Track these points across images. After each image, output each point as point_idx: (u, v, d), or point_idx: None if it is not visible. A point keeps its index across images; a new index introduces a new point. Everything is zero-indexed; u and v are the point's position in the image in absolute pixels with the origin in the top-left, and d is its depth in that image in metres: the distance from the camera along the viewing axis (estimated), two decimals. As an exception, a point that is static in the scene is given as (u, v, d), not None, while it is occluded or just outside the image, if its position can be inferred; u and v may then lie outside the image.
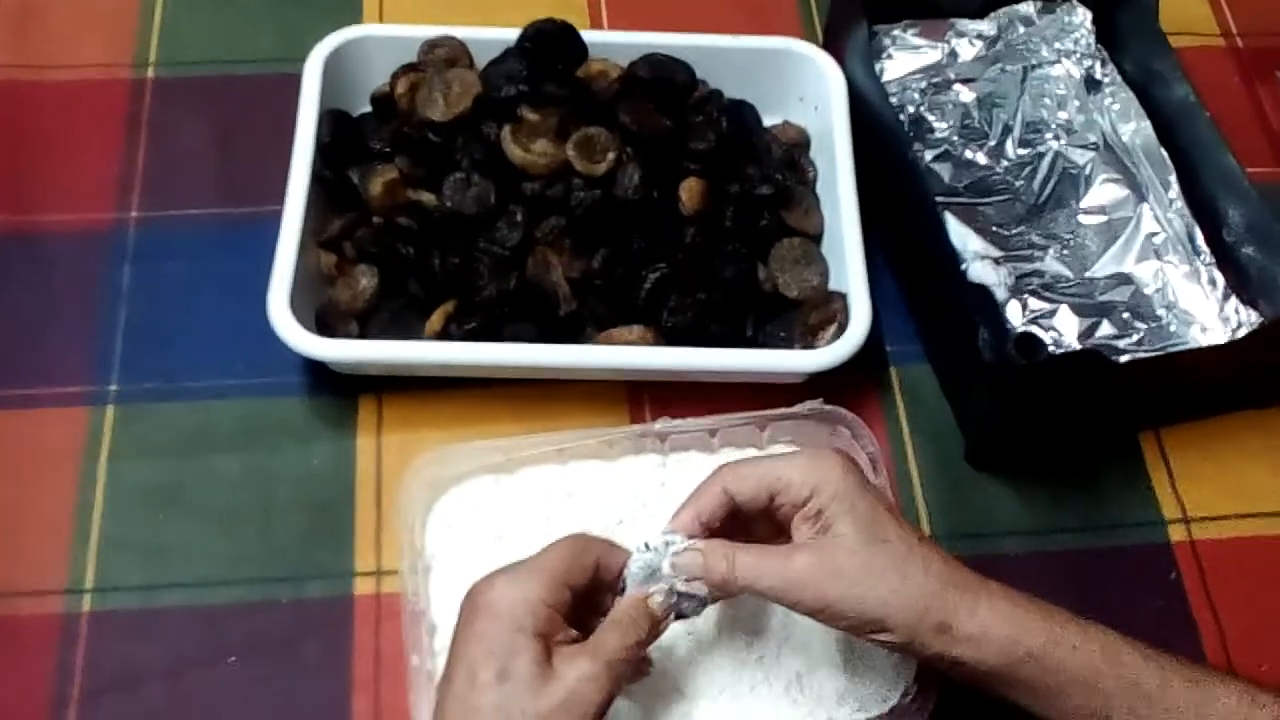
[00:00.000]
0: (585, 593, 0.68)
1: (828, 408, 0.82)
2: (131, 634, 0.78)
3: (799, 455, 0.70)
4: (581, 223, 0.86)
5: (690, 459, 0.83)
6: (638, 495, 0.81)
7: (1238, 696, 0.64)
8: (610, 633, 0.66)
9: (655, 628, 0.67)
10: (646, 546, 0.68)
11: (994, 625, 0.65)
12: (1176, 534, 0.85)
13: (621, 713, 0.74)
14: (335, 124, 0.90)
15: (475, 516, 0.80)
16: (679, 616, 0.68)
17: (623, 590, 0.69)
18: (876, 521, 0.67)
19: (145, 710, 0.76)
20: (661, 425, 0.82)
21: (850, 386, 0.87)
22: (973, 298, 0.81)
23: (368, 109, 0.95)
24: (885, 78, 1.00)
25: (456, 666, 0.63)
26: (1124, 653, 0.65)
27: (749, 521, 0.71)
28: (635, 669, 0.71)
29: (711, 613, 0.77)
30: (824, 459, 0.68)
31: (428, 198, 0.86)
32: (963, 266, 0.90)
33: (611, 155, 0.86)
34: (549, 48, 0.90)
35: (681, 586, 0.67)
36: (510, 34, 0.92)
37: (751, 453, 0.83)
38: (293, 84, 0.91)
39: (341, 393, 0.87)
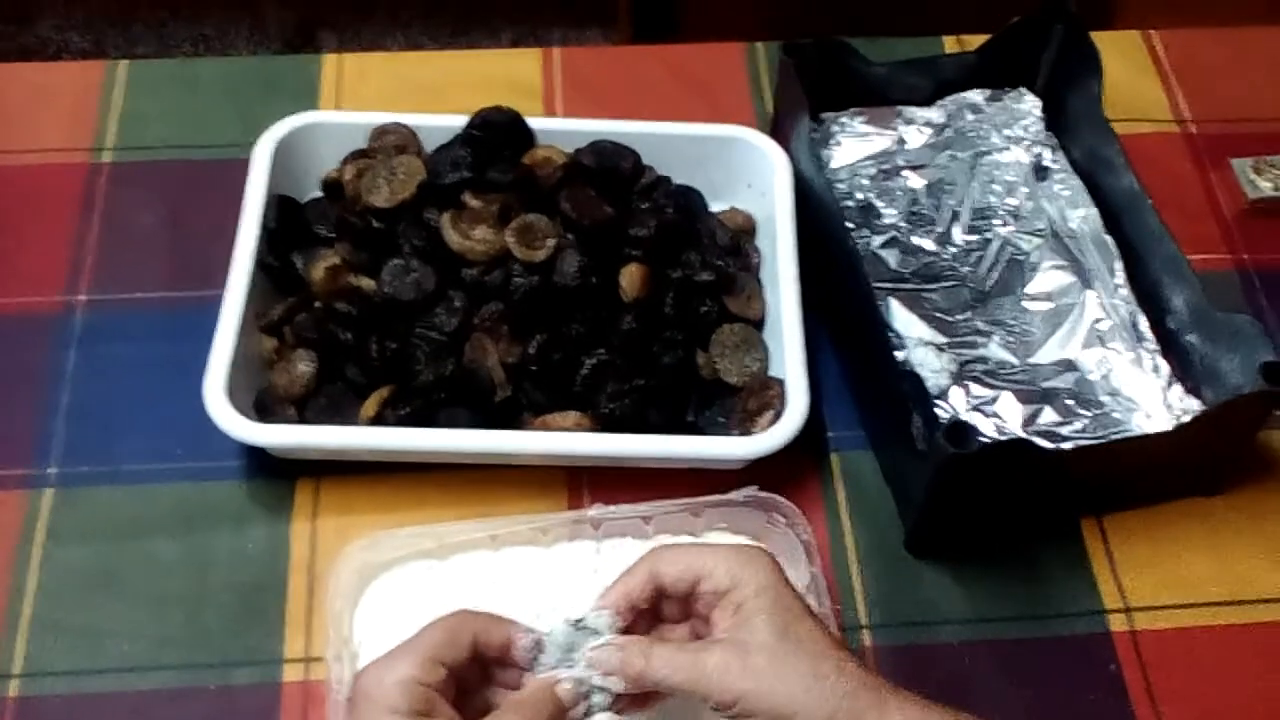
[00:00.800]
0: (470, 667, 0.67)
1: (763, 495, 0.81)
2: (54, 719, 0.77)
3: (728, 547, 0.70)
4: (520, 309, 0.86)
5: (625, 545, 0.83)
6: (571, 582, 0.81)
7: None
8: (509, 714, 0.65)
9: (560, 715, 0.66)
10: (575, 624, 0.68)
11: None
12: (1117, 624, 0.84)
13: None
14: (282, 209, 0.91)
15: (406, 603, 0.80)
16: (587, 713, 0.68)
17: (528, 667, 0.68)
18: (794, 620, 0.66)
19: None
20: (596, 512, 0.82)
21: (791, 472, 0.87)
22: (908, 384, 0.81)
23: (319, 194, 0.95)
24: (834, 164, 1.01)
25: None
26: None
27: (667, 619, 0.71)
28: None
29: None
30: (752, 555, 0.69)
31: (368, 283, 0.87)
32: (904, 353, 0.91)
33: (551, 242, 0.87)
34: (495, 135, 0.92)
35: (597, 680, 0.67)
36: (460, 120, 0.94)
37: (686, 539, 0.83)
38: (245, 170, 0.92)
39: (279, 477, 0.87)
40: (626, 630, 0.68)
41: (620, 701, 0.69)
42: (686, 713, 0.76)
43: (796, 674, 0.64)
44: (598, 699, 0.67)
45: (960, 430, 0.76)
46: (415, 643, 0.65)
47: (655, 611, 0.71)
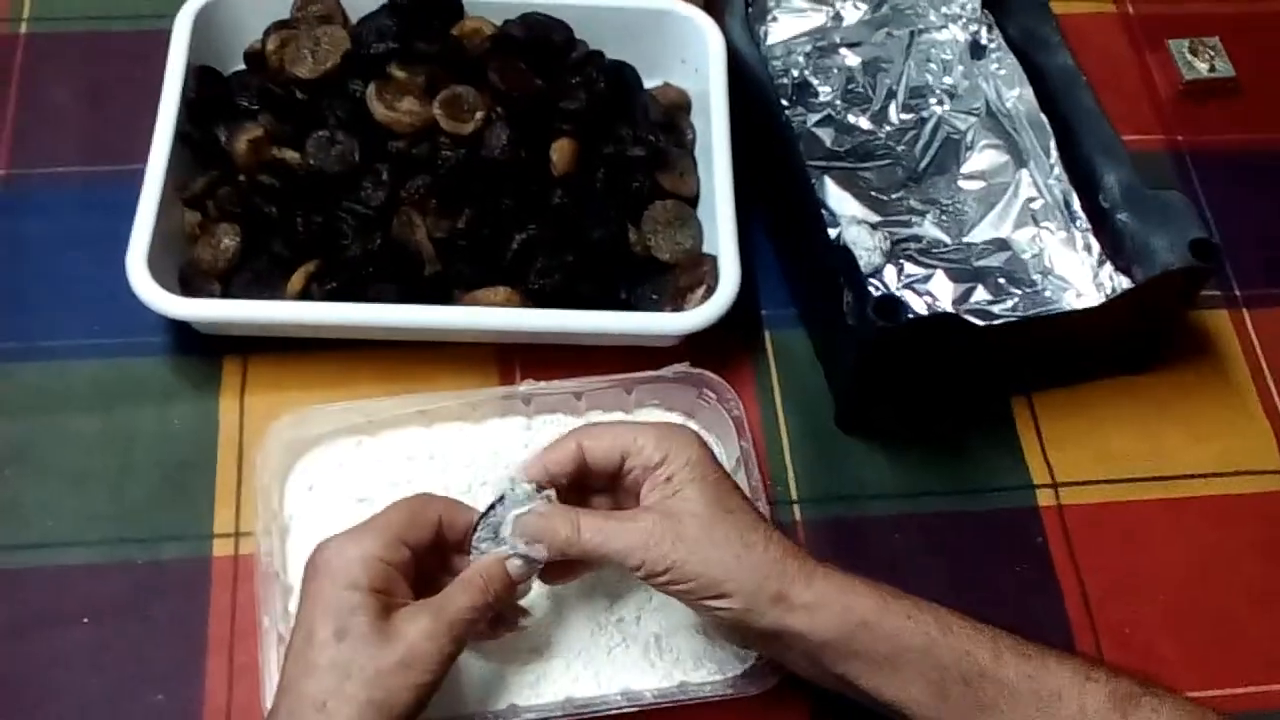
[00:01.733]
0: (431, 552, 0.68)
1: (694, 371, 0.81)
2: (-21, 594, 0.77)
3: (655, 424, 0.71)
4: (448, 182, 0.85)
5: (556, 421, 0.82)
6: (501, 458, 0.80)
7: (1071, 670, 0.64)
8: (458, 591, 0.65)
9: (509, 590, 0.67)
10: (499, 500, 0.68)
11: (829, 594, 0.65)
12: (1044, 498, 0.85)
13: (473, 671, 0.74)
14: (202, 80, 0.88)
15: (335, 478, 0.79)
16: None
17: (469, 551, 0.68)
18: (723, 492, 0.67)
19: (-8, 669, 0.75)
20: (526, 387, 0.81)
21: (723, 350, 0.87)
22: (839, 260, 0.80)
23: (241, 66, 0.93)
24: (770, 40, 0.99)
25: (297, 627, 0.63)
26: (956, 624, 0.65)
27: (592, 493, 0.72)
28: (504, 624, 0.71)
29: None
30: (678, 430, 0.70)
31: (292, 156, 0.85)
32: (837, 230, 0.90)
33: (480, 115, 0.85)
34: (422, 5, 0.89)
35: (522, 549, 0.67)
36: (387, -11, 0.91)
37: (619, 416, 0.83)
38: (166, 41, 0.89)
39: (205, 354, 0.85)
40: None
41: (549, 572, 0.69)
42: (614, 583, 0.77)
43: (727, 542, 0.65)
44: (518, 565, 0.67)
45: (889, 305, 0.76)
46: (380, 520, 0.66)
47: (580, 489, 0.71)
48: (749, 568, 0.65)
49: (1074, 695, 0.63)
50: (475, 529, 0.68)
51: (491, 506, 0.68)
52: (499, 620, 0.70)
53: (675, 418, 0.82)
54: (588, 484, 0.71)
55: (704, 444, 0.69)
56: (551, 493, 0.68)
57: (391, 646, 0.62)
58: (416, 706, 0.62)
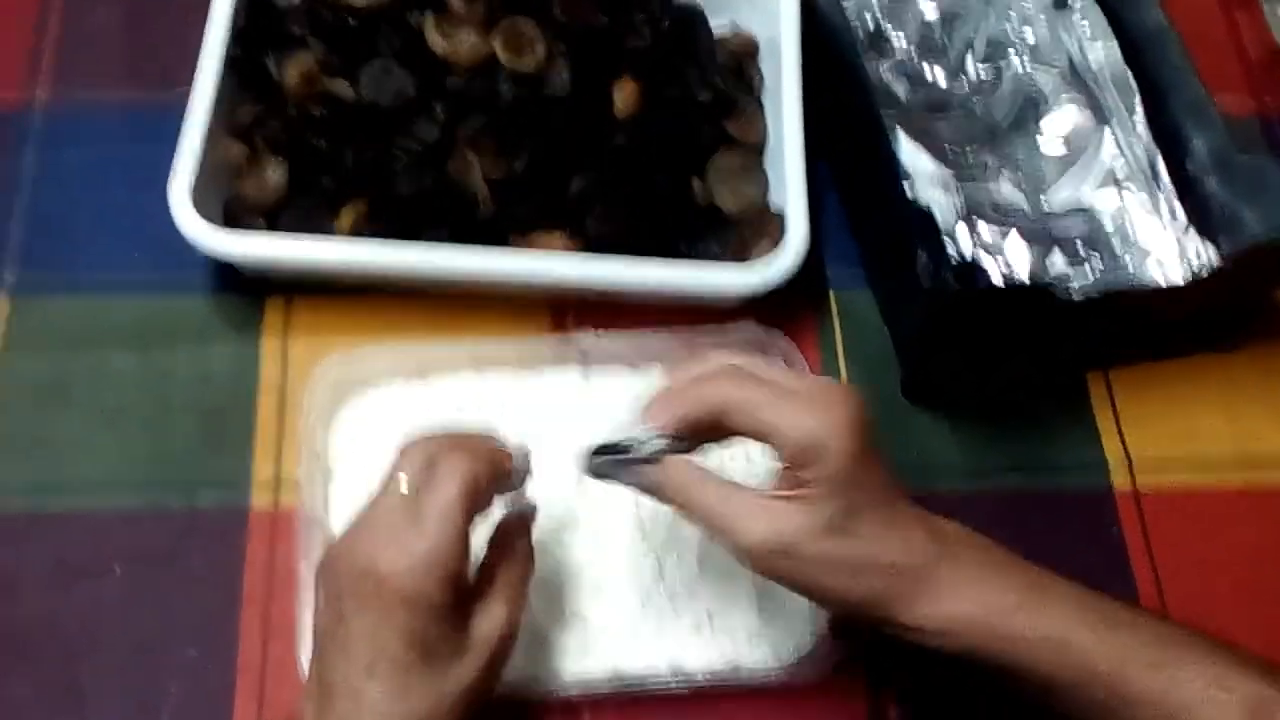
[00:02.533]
0: None
1: (761, 330, 0.77)
2: (14, 537, 0.74)
3: (811, 404, 0.59)
4: (506, 121, 0.81)
5: (614, 375, 0.79)
6: (556, 410, 0.77)
7: (1203, 683, 0.59)
8: (509, 573, 0.62)
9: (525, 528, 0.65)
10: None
11: (955, 614, 0.60)
12: (1119, 480, 0.81)
13: (520, 638, 0.71)
14: (253, 5, 0.84)
15: (383, 424, 0.76)
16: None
17: None
18: (856, 507, 0.59)
19: (23, 617, 0.73)
20: (585, 338, 0.78)
21: (786, 309, 0.83)
22: (915, 220, 0.76)
23: (294, -8, 0.89)
24: (843, -15, 0.95)
25: (357, 636, 0.57)
26: (1081, 631, 0.60)
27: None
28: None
29: (622, 542, 0.74)
30: (834, 426, 0.59)
31: (344, 88, 0.81)
32: (909, 186, 0.86)
33: (541, 50, 0.81)
34: (484, -66, 0.85)
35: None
36: (446, -81, 0.87)
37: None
38: (214, -38, 0.85)
39: (247, 293, 0.82)
40: None
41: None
42: (665, 552, 0.74)
43: (842, 566, 0.60)
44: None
45: (969, 271, 0.72)
46: (443, 519, 0.57)
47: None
48: (864, 588, 0.60)
49: (1210, 709, 0.58)
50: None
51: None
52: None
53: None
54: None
55: (858, 440, 0.59)
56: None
57: (474, 655, 0.60)
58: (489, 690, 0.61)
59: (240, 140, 0.82)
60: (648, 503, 0.71)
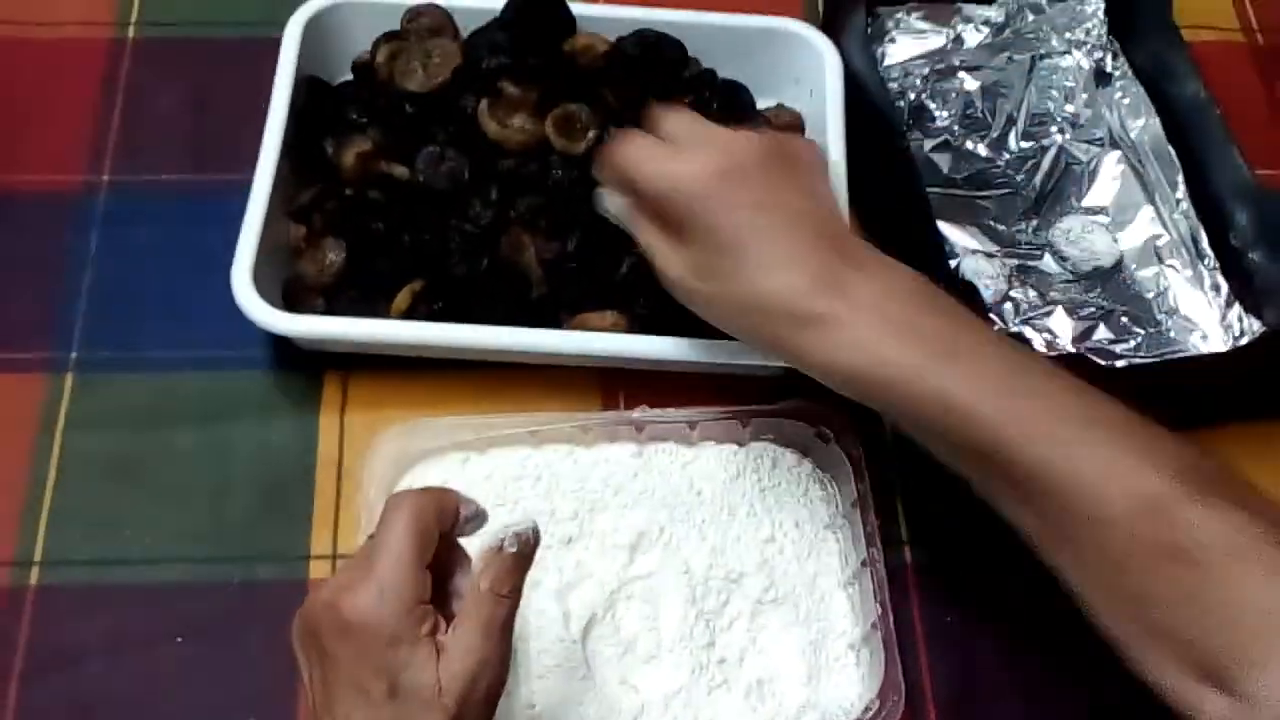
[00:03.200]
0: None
1: (810, 405, 0.79)
2: (77, 609, 0.76)
3: (672, 155, 0.68)
4: (558, 203, 0.83)
5: (668, 450, 0.80)
6: (610, 483, 0.78)
7: (1100, 467, 0.58)
8: (482, 603, 0.60)
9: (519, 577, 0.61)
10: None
11: (859, 337, 0.62)
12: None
13: (571, 711, 0.72)
14: (311, 91, 0.87)
15: (442, 495, 0.78)
16: None
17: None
18: (720, 254, 0.65)
19: (86, 688, 0.74)
20: (640, 414, 0.79)
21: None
22: (961, 293, 0.77)
23: (349, 77, 0.91)
24: (887, 62, 0.97)
25: (340, 692, 0.57)
26: (994, 395, 0.61)
27: None
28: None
29: (675, 611, 0.75)
30: (689, 171, 0.66)
31: (400, 171, 0.83)
32: (955, 262, 0.87)
33: (592, 134, 0.83)
34: (535, 19, 0.87)
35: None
36: (498, 3, 0.89)
37: (732, 448, 0.80)
38: (273, 49, 0.88)
39: (306, 370, 0.84)
40: None
41: None
42: (717, 620, 0.75)
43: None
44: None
45: (1018, 341, 0.73)
46: (391, 550, 0.58)
47: None
48: (751, 328, 0.66)
49: (1115, 492, 0.58)
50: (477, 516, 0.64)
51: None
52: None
53: (789, 454, 0.80)
54: None
55: (713, 183, 0.66)
56: None
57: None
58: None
59: (299, 221, 0.84)
60: (699, 571, 0.73)
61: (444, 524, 0.61)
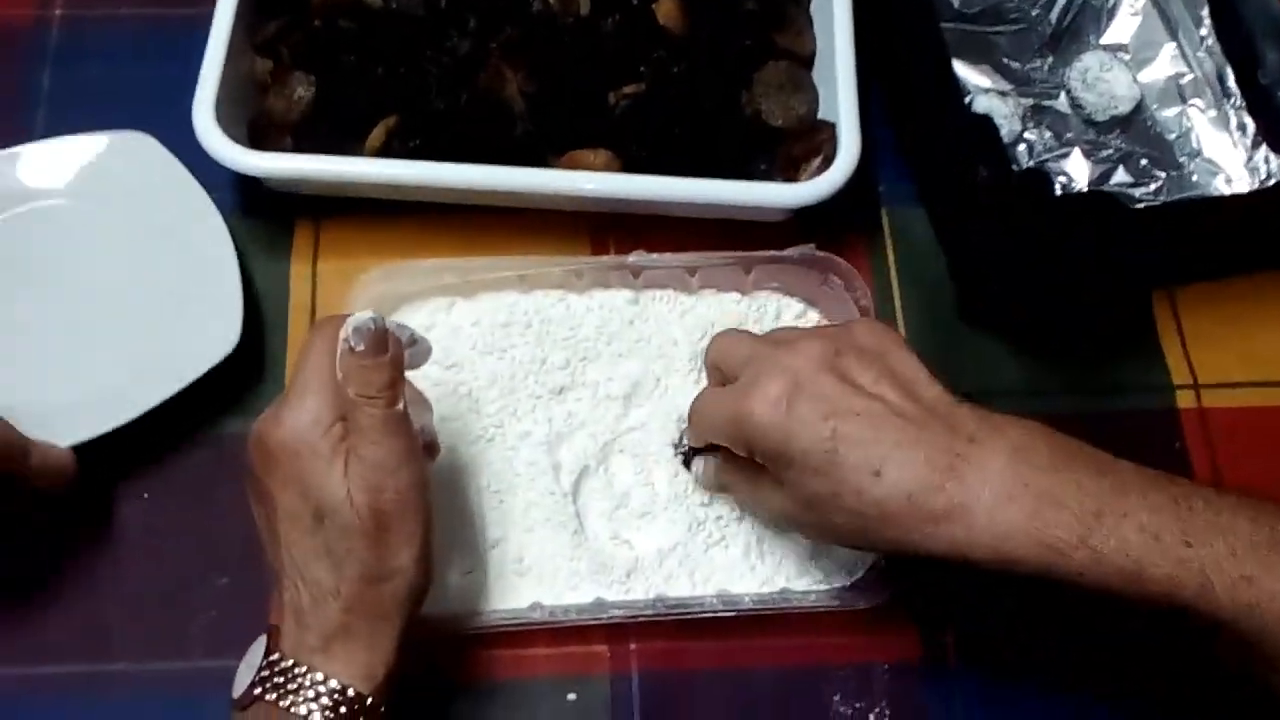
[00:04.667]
0: None
1: (820, 254, 0.74)
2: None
3: (726, 406, 0.62)
4: (541, 34, 0.77)
5: (666, 298, 0.76)
6: (604, 331, 0.74)
7: None
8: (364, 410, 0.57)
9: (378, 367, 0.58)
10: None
11: (1005, 520, 0.55)
12: (1184, 400, 0.78)
13: (562, 561, 0.69)
14: (277, -86, 0.81)
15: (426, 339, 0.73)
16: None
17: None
18: (806, 478, 0.59)
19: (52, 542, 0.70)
20: (636, 258, 0.74)
21: (836, 228, 0.79)
22: (974, 131, 0.72)
23: (318, -98, 0.85)
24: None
25: (278, 514, 0.57)
26: (1167, 547, 0.54)
27: None
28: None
29: (668, 464, 0.71)
30: (740, 414, 0.60)
31: (372, -2, 0.78)
32: (967, 99, 0.82)
33: (581, -45, 0.77)
34: None
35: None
36: None
37: (734, 296, 0.76)
38: None
39: (276, 215, 0.79)
40: None
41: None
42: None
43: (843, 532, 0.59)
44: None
45: (1035, 179, 0.69)
46: (305, 373, 0.58)
47: None
48: (876, 538, 0.58)
49: None
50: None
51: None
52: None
53: (795, 303, 0.76)
54: None
55: (766, 413, 0.59)
56: None
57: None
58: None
59: (265, 54, 0.79)
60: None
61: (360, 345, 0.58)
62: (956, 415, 0.58)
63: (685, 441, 0.71)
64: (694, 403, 0.67)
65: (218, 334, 0.72)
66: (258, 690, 0.55)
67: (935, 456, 0.56)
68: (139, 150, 0.77)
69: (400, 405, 0.58)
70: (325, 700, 0.55)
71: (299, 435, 0.56)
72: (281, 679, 0.55)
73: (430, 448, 0.65)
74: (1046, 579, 0.55)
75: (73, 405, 0.70)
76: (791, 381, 0.58)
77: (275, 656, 0.56)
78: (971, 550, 0.55)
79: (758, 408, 0.59)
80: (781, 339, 0.64)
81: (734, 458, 0.64)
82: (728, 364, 0.65)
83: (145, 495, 0.71)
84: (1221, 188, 0.82)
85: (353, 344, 0.57)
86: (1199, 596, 0.53)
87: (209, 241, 0.74)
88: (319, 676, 0.55)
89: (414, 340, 0.62)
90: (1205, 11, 0.85)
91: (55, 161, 0.77)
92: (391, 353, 0.58)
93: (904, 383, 0.59)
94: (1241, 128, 0.83)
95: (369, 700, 0.55)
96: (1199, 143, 0.83)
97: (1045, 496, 0.55)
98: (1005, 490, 0.55)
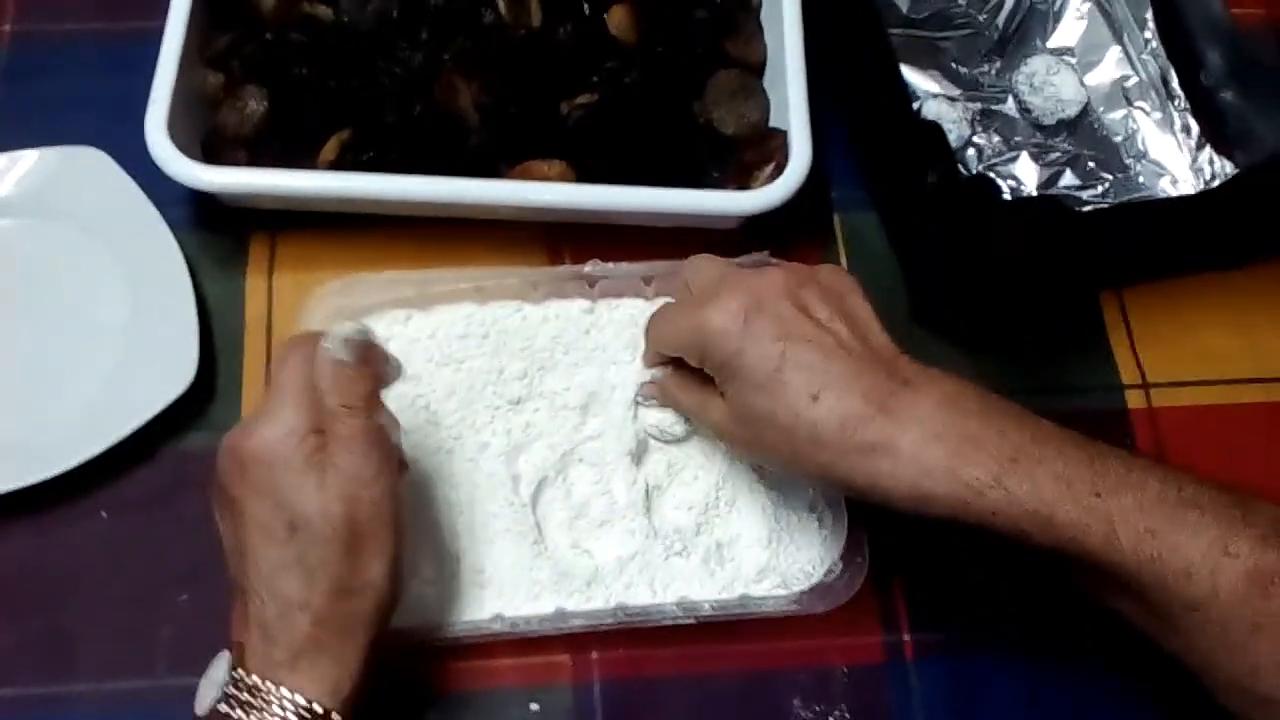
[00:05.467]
0: None
1: (773, 260, 0.74)
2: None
3: (686, 313, 0.65)
4: (493, 45, 0.77)
5: (623, 306, 0.76)
6: (560, 340, 0.74)
7: (1206, 544, 0.55)
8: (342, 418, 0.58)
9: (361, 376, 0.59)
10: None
11: (929, 455, 0.57)
12: (1134, 400, 0.79)
13: (520, 572, 0.69)
14: (226, -72, 0.80)
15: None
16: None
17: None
18: (753, 393, 0.60)
19: (2, 557, 0.70)
20: (592, 268, 0.74)
21: (789, 234, 0.80)
22: (924, 136, 0.73)
23: (268, -85, 0.85)
24: (841, -102, 0.91)
25: (246, 528, 0.57)
26: (1068, 502, 0.56)
27: None
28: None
29: (626, 473, 0.72)
30: (704, 321, 0.62)
31: (324, 11, 0.77)
32: (916, 104, 0.83)
33: (533, -27, 0.78)
34: None
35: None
36: None
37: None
38: (185, -115, 0.81)
39: (231, 230, 0.79)
40: None
41: None
42: (674, 484, 0.72)
43: (789, 428, 0.59)
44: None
45: (983, 185, 0.70)
46: (280, 385, 0.58)
47: None
48: (806, 463, 0.59)
49: (1206, 574, 0.55)
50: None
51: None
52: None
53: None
54: None
55: (730, 323, 0.61)
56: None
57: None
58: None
59: (217, 68, 0.78)
60: (649, 436, 0.70)
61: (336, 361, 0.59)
62: (899, 362, 0.61)
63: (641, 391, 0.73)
64: (655, 314, 0.70)
65: (174, 368, 0.72)
66: (223, 708, 0.55)
67: (872, 392, 0.58)
68: (91, 166, 0.77)
69: (379, 417, 0.59)
70: (292, 717, 0.55)
71: (272, 446, 0.56)
72: (248, 696, 0.55)
73: (401, 464, 0.65)
74: (961, 521, 0.57)
75: (24, 445, 0.70)
76: (753, 300, 0.61)
77: (240, 673, 0.56)
78: (894, 484, 0.57)
79: (716, 318, 0.61)
80: (752, 266, 0.67)
81: (684, 371, 0.67)
82: (698, 280, 0.66)
83: (103, 513, 0.71)
84: (1168, 189, 0.83)
85: (338, 354, 0.58)
86: (1104, 545, 0.55)
87: (162, 263, 0.74)
88: (285, 693, 0.55)
89: (387, 358, 0.62)
90: (1149, 14, 0.87)
91: (7, 177, 0.77)
92: (372, 365, 0.59)
93: (856, 324, 0.62)
94: (1186, 129, 0.84)
95: (335, 717, 0.55)
96: (1145, 144, 0.85)
97: (968, 439, 0.57)
98: (933, 430, 0.57)
